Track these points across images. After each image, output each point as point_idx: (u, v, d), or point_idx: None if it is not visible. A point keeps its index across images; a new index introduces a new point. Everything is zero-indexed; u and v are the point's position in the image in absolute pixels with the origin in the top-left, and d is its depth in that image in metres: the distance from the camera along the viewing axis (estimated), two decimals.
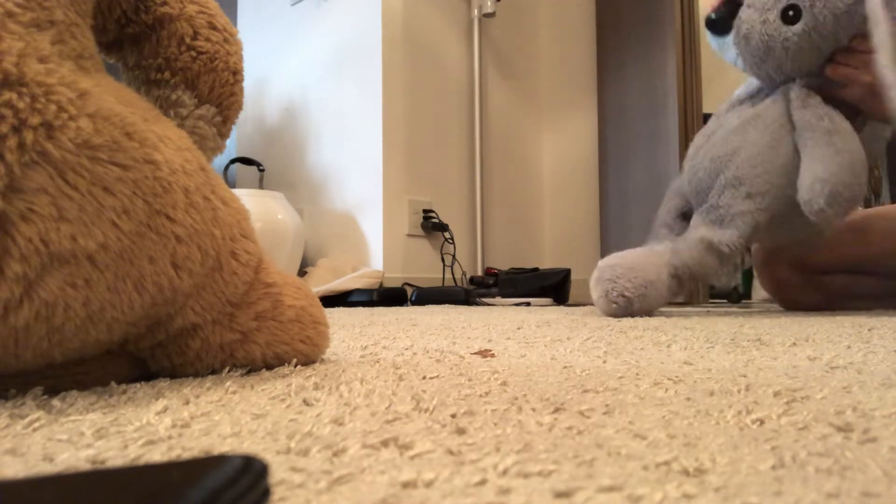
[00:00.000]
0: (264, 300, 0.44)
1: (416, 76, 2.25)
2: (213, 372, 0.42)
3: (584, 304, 2.04)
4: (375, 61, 2.16)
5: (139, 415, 0.30)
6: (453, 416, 0.30)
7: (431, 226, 2.22)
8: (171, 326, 0.39)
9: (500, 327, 0.89)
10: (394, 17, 2.20)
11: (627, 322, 0.97)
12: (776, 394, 0.35)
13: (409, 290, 2.06)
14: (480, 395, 0.35)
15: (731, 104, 1.33)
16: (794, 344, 0.62)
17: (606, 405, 0.32)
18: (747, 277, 2.26)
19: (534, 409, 0.31)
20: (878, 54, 1.02)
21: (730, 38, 1.31)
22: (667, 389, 0.36)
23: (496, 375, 0.42)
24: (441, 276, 2.27)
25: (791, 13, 1.16)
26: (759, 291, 2.13)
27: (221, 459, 0.17)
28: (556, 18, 2.76)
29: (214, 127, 0.52)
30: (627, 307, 1.12)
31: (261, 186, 2.34)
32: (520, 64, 2.68)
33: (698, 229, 1.21)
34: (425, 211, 2.23)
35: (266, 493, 0.18)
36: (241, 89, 0.53)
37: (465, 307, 1.77)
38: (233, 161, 2.37)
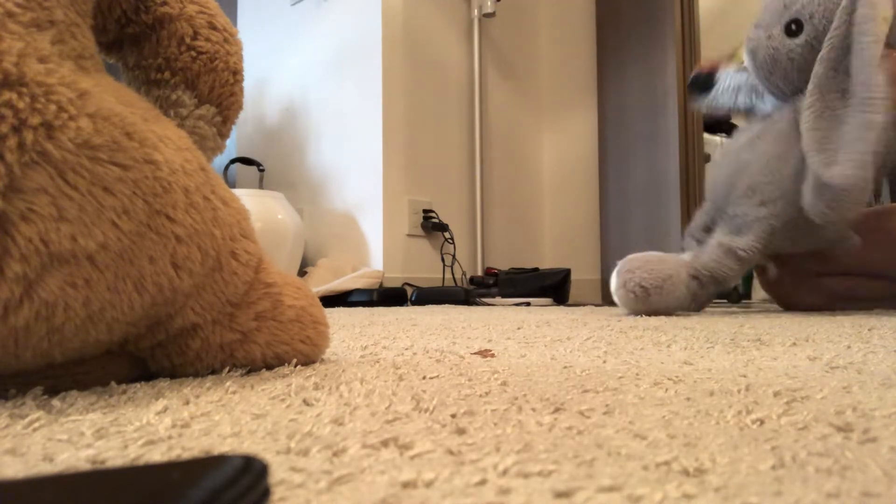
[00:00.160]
0: (264, 300, 0.44)
1: (416, 76, 2.25)
2: (213, 372, 0.42)
3: (584, 304, 2.04)
4: (375, 61, 2.16)
5: (139, 415, 0.30)
6: (453, 416, 0.30)
7: (431, 226, 2.22)
8: (171, 326, 0.39)
9: (500, 327, 0.89)
10: (394, 17, 2.20)
11: (627, 322, 0.97)
12: (776, 394, 0.35)
13: (409, 290, 2.06)
14: (480, 395, 0.35)
15: (746, 125, 1.41)
16: (794, 344, 0.62)
17: (606, 405, 0.32)
18: (747, 278, 2.26)
19: (534, 409, 0.31)
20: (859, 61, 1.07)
21: (716, 90, 1.46)
22: (667, 389, 0.36)
23: (496, 375, 0.42)
24: (441, 276, 2.27)
25: (794, 27, 1.24)
26: (759, 291, 2.14)
27: (221, 459, 0.17)
28: (556, 18, 2.76)
29: (214, 127, 0.52)
30: (645, 298, 1.16)
31: (261, 186, 2.34)
32: (520, 64, 2.68)
33: (717, 236, 1.27)
34: (425, 211, 2.23)
35: (266, 493, 0.18)
36: (241, 89, 0.53)
37: (465, 307, 1.77)
38: (233, 161, 2.37)
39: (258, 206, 1.99)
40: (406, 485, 0.20)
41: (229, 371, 0.42)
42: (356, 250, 2.19)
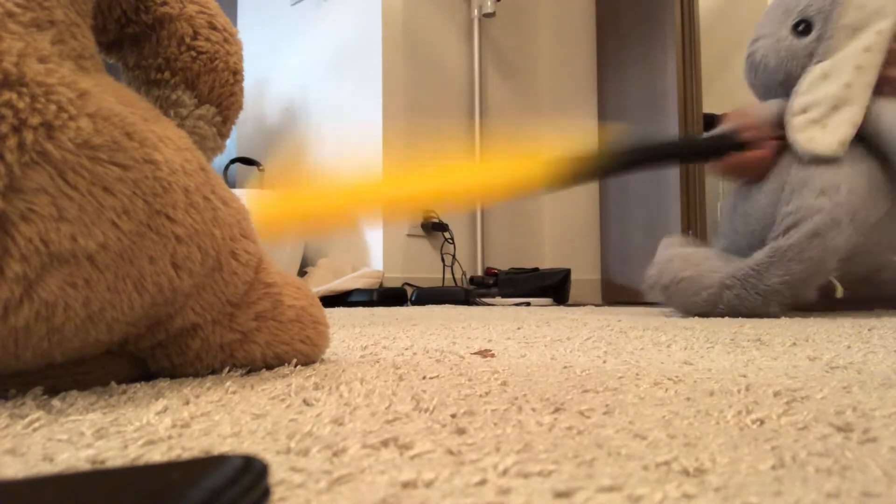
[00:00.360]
0: (264, 300, 0.44)
1: (416, 76, 2.25)
2: (213, 372, 0.42)
3: (584, 304, 2.04)
4: (375, 61, 2.16)
5: (139, 415, 0.30)
6: (453, 416, 0.30)
7: (431, 226, 2.22)
8: (171, 326, 0.39)
9: (500, 327, 0.89)
10: (394, 17, 2.19)
11: (627, 322, 0.97)
12: (776, 394, 0.35)
13: (409, 290, 2.06)
14: (480, 395, 0.35)
15: None
16: (794, 344, 0.62)
17: (606, 405, 0.32)
18: None
19: (534, 409, 0.31)
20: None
21: None
22: (667, 389, 0.36)
23: (496, 375, 0.42)
24: (441, 276, 2.26)
25: (801, 27, 1.21)
26: None
27: (221, 459, 0.17)
28: (556, 18, 2.76)
29: (214, 127, 0.52)
30: (664, 291, 1.16)
31: (261, 186, 2.34)
32: (520, 64, 2.68)
33: (773, 243, 1.12)
34: (425, 211, 2.23)
35: (266, 493, 0.18)
36: (241, 89, 0.53)
37: (465, 307, 1.77)
38: (233, 161, 2.37)
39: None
40: (406, 485, 0.20)
41: (229, 371, 0.42)
42: (356, 250, 2.19)
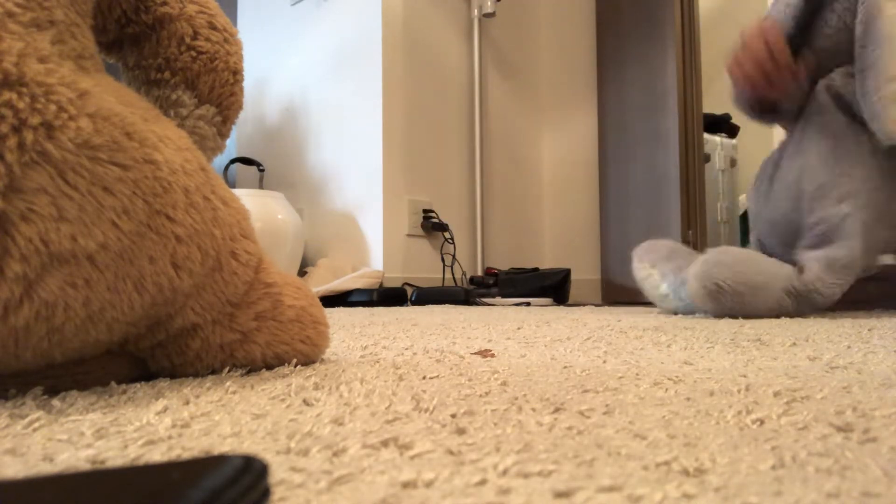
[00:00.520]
0: (264, 300, 0.44)
1: (416, 76, 2.25)
2: (213, 372, 0.42)
3: (584, 304, 2.04)
4: (375, 61, 2.16)
5: (139, 415, 0.30)
6: (453, 416, 0.30)
7: (431, 226, 2.22)
8: (171, 326, 0.39)
9: (500, 327, 0.89)
10: (394, 17, 2.20)
11: (627, 322, 0.97)
12: (776, 394, 0.35)
13: (409, 290, 2.06)
14: (480, 395, 0.35)
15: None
16: (794, 344, 0.62)
17: (606, 405, 0.32)
18: None
19: (534, 409, 0.31)
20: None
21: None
22: (667, 389, 0.36)
23: (496, 375, 0.42)
24: (441, 276, 2.27)
25: None
26: None
27: (221, 459, 0.17)
28: (556, 18, 2.76)
29: (214, 127, 0.52)
30: (717, 297, 1.05)
31: (261, 186, 2.34)
32: (520, 64, 2.68)
33: (811, 253, 1.12)
34: (425, 211, 2.23)
35: (266, 493, 0.18)
36: (241, 89, 0.53)
37: (465, 307, 1.77)
38: (233, 161, 2.37)
39: (258, 206, 1.99)
40: (406, 485, 0.20)
41: (229, 371, 0.42)
42: (356, 250, 2.19)
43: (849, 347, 0.58)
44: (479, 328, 0.87)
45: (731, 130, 3.29)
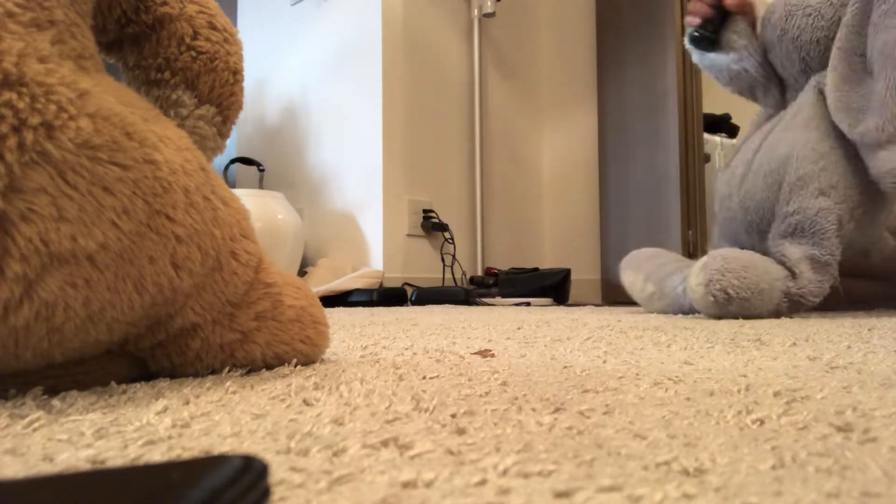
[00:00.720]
0: (264, 300, 0.44)
1: (416, 76, 2.25)
2: (213, 372, 0.42)
3: (584, 304, 2.04)
4: (375, 61, 2.16)
5: (139, 415, 0.30)
6: (453, 416, 0.30)
7: (431, 226, 2.22)
8: (171, 326, 0.39)
9: (500, 327, 0.89)
10: (394, 17, 2.20)
11: (627, 322, 0.97)
12: (776, 394, 0.35)
13: (409, 290, 2.06)
14: (480, 395, 0.35)
15: (749, 132, 1.32)
16: (794, 344, 0.62)
17: (606, 405, 0.32)
18: None
19: (534, 409, 0.31)
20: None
21: (715, 58, 1.34)
22: (667, 389, 0.36)
23: (496, 375, 0.42)
24: (441, 276, 2.27)
25: None
26: None
27: (221, 459, 0.17)
28: (556, 18, 2.76)
29: (214, 127, 0.52)
30: (724, 305, 1.05)
31: (261, 186, 2.34)
32: (520, 64, 2.68)
33: (789, 249, 1.14)
34: (425, 211, 2.24)
35: (266, 493, 0.18)
36: (241, 89, 0.53)
37: (465, 307, 1.77)
38: (233, 161, 2.37)
39: (258, 206, 1.99)
40: (406, 485, 0.20)
41: (229, 371, 0.42)
42: (356, 250, 2.19)
43: (849, 347, 0.58)
44: (479, 328, 0.87)
45: (731, 130, 3.29)
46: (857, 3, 1.09)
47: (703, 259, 1.10)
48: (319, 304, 0.51)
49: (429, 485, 0.20)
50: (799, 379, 0.40)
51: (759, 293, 1.07)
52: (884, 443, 0.25)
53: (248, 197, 2.00)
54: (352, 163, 2.23)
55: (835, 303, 1.33)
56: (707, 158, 2.60)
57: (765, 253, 1.17)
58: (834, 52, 1.11)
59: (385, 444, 0.25)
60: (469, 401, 0.33)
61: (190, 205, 0.37)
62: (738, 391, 0.35)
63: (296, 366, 0.46)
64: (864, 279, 1.34)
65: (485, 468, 0.21)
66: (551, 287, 2.14)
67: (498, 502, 0.18)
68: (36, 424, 0.28)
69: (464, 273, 2.32)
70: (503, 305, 1.94)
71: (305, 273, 2.14)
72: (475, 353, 0.57)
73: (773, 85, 1.33)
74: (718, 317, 1.09)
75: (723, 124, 3.24)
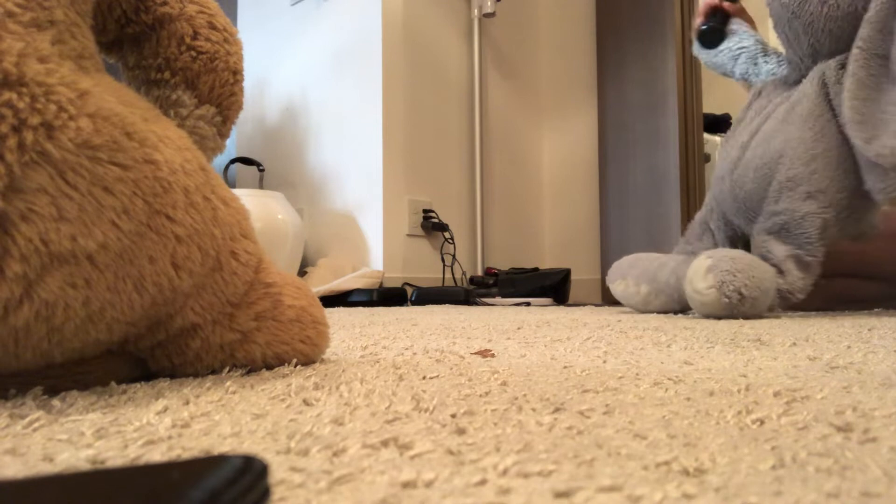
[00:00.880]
0: (264, 300, 0.44)
1: (416, 76, 2.25)
2: (213, 372, 0.42)
3: (584, 304, 2.04)
4: (375, 61, 2.16)
5: (139, 415, 0.30)
6: (453, 416, 0.30)
7: (431, 226, 2.22)
8: (171, 326, 0.39)
9: (500, 327, 0.89)
10: (394, 17, 2.20)
11: (628, 322, 0.98)
12: (776, 394, 0.35)
13: (409, 290, 2.06)
14: (480, 395, 0.35)
15: (750, 102, 1.31)
16: (794, 344, 0.62)
17: (606, 405, 0.32)
18: None
19: (534, 409, 0.31)
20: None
21: (720, 49, 1.36)
22: (667, 389, 0.36)
23: (496, 375, 0.42)
24: (441, 276, 2.27)
25: None
26: None
27: (221, 459, 0.17)
28: (556, 18, 2.76)
29: (214, 127, 0.52)
30: (738, 306, 1.04)
31: (261, 186, 2.34)
32: (520, 64, 2.68)
33: (775, 246, 1.15)
34: (425, 211, 2.24)
35: (266, 493, 0.18)
36: (241, 89, 0.53)
37: (465, 307, 1.77)
38: (233, 161, 2.37)
39: (258, 206, 1.99)
40: (406, 485, 0.20)
41: (229, 371, 0.42)
42: (356, 250, 2.19)
43: (849, 347, 0.58)
44: (479, 328, 0.87)
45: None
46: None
47: (704, 262, 1.09)
48: (319, 304, 0.51)
49: (429, 485, 0.20)
50: (799, 379, 0.40)
51: (764, 291, 1.07)
52: (884, 443, 0.25)
53: (248, 197, 2.00)
54: (352, 163, 2.23)
55: (833, 304, 1.34)
56: (707, 158, 2.60)
57: (750, 236, 1.21)
58: (853, 53, 1.07)
59: (385, 444, 0.25)
60: (469, 401, 0.33)
61: (190, 205, 0.37)
62: (738, 391, 0.35)
63: (296, 366, 0.46)
64: (864, 279, 1.34)
65: (485, 468, 0.21)
66: (551, 287, 2.14)
67: (498, 502, 0.18)
68: (36, 424, 0.28)
69: (464, 273, 2.32)
70: (503, 305, 1.94)
71: (305, 273, 2.14)
72: (475, 353, 0.57)
73: (775, 55, 1.34)
74: (721, 316, 1.09)
75: (723, 124, 3.23)
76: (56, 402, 0.33)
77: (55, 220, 0.30)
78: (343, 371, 0.44)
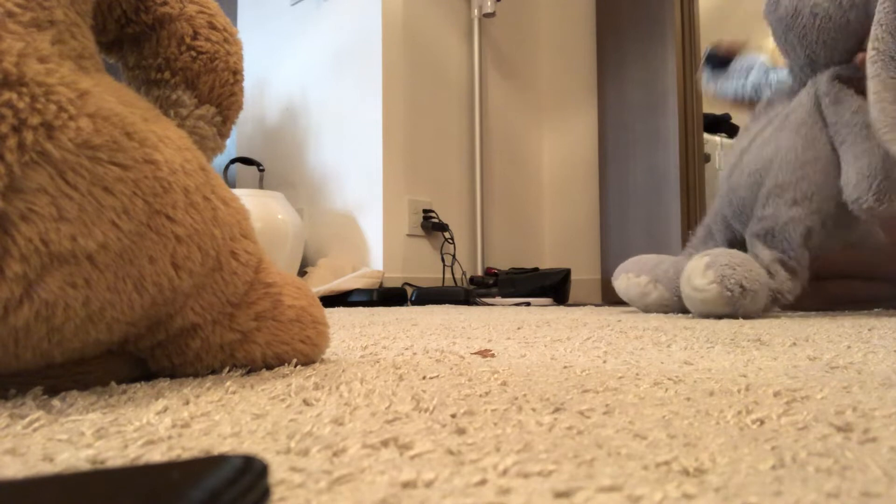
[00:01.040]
0: (264, 300, 0.44)
1: (416, 76, 2.25)
2: (213, 372, 0.42)
3: (584, 304, 2.04)
4: (375, 61, 2.16)
5: (139, 415, 0.30)
6: (453, 416, 0.30)
7: (431, 226, 2.22)
8: (171, 326, 0.39)
9: (500, 327, 0.89)
10: (394, 17, 2.20)
11: (628, 322, 0.98)
12: (776, 394, 0.35)
13: (409, 290, 2.06)
14: (480, 395, 0.35)
15: (758, 112, 1.34)
16: (794, 344, 0.62)
17: (606, 405, 0.32)
18: None
19: (534, 409, 0.31)
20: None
21: (729, 71, 1.40)
22: (667, 389, 0.36)
23: (496, 375, 0.42)
24: (441, 276, 2.27)
25: None
26: None
27: (221, 459, 0.17)
28: (556, 18, 2.76)
29: (214, 127, 0.52)
30: (739, 300, 1.05)
31: (261, 186, 2.34)
32: (520, 64, 2.68)
33: (761, 250, 1.17)
34: (425, 211, 2.23)
35: (266, 493, 0.18)
36: (241, 89, 0.53)
37: (465, 307, 1.77)
38: (233, 161, 2.37)
39: (258, 206, 1.99)
40: (406, 485, 0.20)
41: (229, 371, 0.42)
42: (356, 250, 2.19)
43: (849, 347, 0.58)
44: (479, 328, 0.87)
45: (731, 130, 3.29)
46: (887, 1, 1.03)
47: (701, 260, 1.10)
48: (319, 304, 0.51)
49: (429, 485, 0.20)
50: (799, 379, 0.40)
51: (763, 286, 1.09)
52: (884, 443, 0.25)
53: (248, 197, 2.00)
54: (352, 163, 2.23)
55: (834, 305, 1.34)
56: (707, 158, 2.60)
57: (745, 239, 1.24)
58: (870, 55, 1.05)
59: (385, 444, 0.25)
60: (469, 401, 0.33)
61: (190, 205, 0.37)
62: (738, 391, 0.35)
63: (296, 366, 0.46)
64: (864, 279, 1.34)
65: (485, 468, 0.21)
66: (551, 287, 2.14)
67: (498, 502, 0.18)
68: (36, 424, 0.28)
69: (464, 273, 2.32)
70: (503, 305, 1.94)
71: (305, 273, 2.14)
72: (475, 353, 0.56)
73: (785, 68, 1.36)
74: (721, 315, 1.09)
75: (723, 124, 3.24)
76: (56, 402, 0.33)
77: (55, 220, 0.30)
78: (343, 371, 0.44)
